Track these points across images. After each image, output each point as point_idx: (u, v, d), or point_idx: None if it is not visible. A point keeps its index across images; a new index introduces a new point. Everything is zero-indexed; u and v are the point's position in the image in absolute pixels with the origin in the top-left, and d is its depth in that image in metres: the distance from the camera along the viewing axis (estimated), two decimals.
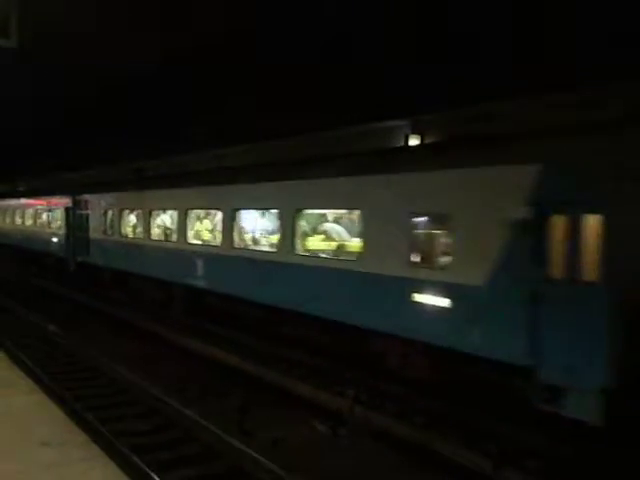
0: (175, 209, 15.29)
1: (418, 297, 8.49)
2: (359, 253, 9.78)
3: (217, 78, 11.19)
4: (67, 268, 22.17)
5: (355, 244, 10.42)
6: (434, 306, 8.25)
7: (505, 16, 7.59)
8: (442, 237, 8.67)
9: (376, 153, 10.88)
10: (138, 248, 16.90)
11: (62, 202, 23.11)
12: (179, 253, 14.73)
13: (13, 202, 31.22)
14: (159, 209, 16.43)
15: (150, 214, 16.47)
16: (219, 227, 13.54)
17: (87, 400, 9.65)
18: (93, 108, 14.46)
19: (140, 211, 17.20)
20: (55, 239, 23.83)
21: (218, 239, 13.50)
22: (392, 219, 9.03)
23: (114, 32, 9.30)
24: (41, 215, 26.52)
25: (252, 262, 12.11)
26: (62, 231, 22.98)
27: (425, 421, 8.54)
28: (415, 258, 8.82)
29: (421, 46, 8.76)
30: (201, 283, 13.81)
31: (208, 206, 14.29)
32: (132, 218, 18.15)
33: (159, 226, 16.54)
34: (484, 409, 8.22)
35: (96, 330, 15.80)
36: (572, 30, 7.65)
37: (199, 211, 14.79)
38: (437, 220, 8.70)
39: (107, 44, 9.77)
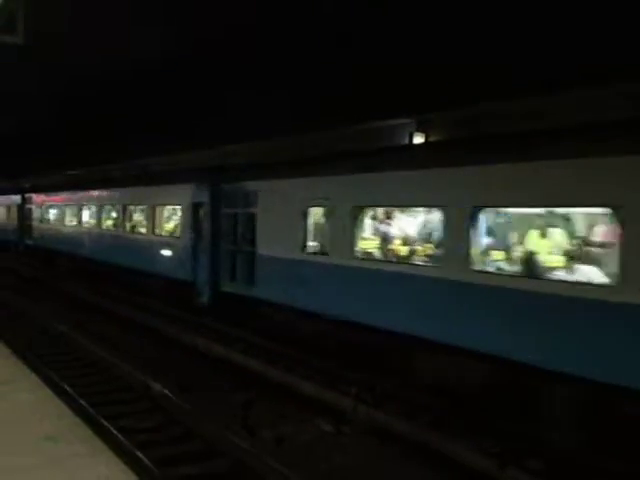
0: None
1: None
2: None
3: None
4: (196, 300, 14.65)
5: None
6: None
7: None
8: None
9: None
10: (411, 283, 9.23)
11: (180, 194, 15.72)
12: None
13: (75, 196, 23.71)
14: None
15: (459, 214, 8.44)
16: None
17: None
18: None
19: (423, 211, 10.03)
20: (166, 252, 16.35)
21: None
22: None
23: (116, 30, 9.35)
24: (132, 214, 19.27)
25: None
26: (181, 240, 15.61)
27: (428, 419, 8.54)
28: None
29: None
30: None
31: None
32: (392, 223, 10.66)
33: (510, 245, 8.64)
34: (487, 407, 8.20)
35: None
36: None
37: None
38: None
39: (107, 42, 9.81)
